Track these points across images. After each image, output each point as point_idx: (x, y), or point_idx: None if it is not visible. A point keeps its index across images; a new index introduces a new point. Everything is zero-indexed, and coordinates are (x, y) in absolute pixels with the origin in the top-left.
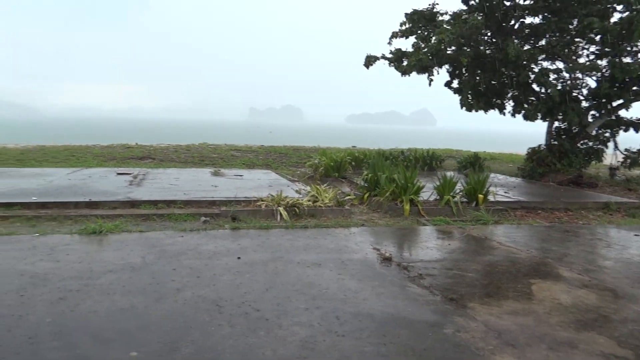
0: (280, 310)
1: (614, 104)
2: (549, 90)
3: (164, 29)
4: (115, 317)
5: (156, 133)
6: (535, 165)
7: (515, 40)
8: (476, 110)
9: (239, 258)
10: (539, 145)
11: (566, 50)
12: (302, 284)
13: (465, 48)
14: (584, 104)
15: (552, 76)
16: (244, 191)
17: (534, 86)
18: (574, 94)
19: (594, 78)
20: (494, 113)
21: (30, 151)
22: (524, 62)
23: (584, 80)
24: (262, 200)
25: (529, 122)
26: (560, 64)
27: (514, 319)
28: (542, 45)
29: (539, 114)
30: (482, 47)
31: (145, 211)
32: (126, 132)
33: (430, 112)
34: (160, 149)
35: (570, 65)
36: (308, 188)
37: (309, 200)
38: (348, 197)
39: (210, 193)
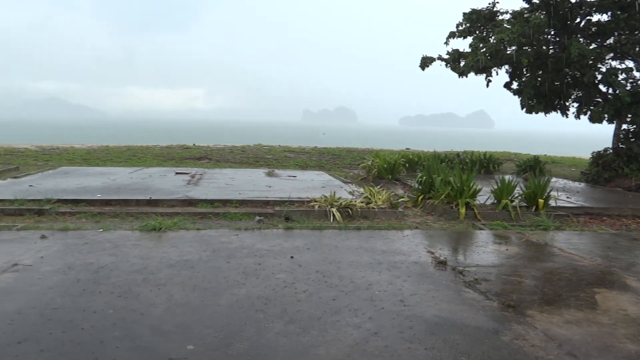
0: (332, 311)
1: None
2: (617, 91)
3: (219, 34)
4: (173, 311)
5: (212, 134)
6: (601, 169)
7: (581, 39)
8: (537, 112)
9: (292, 257)
10: (605, 149)
11: (637, 49)
12: (355, 286)
13: (526, 48)
14: None
15: (620, 76)
16: (297, 192)
17: (601, 86)
18: None
19: None
20: (554, 114)
21: (96, 151)
22: (590, 62)
23: None
24: (315, 201)
25: (593, 124)
26: (629, 63)
27: (576, 329)
28: (610, 44)
29: (606, 116)
30: (544, 47)
31: (202, 210)
32: (184, 133)
33: (487, 114)
34: (216, 150)
35: None
36: (361, 190)
37: (362, 202)
38: (401, 200)
39: (265, 193)
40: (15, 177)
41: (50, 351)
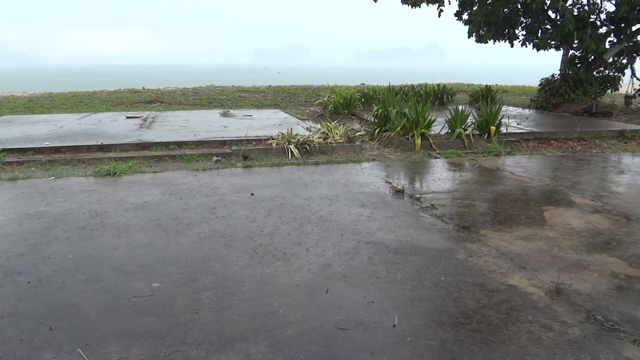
0: (295, 242)
1: (633, 28)
2: (564, 16)
3: None
4: (136, 252)
5: (163, 78)
6: (549, 95)
7: None
8: (486, 42)
9: (252, 194)
10: (553, 75)
11: None
12: (316, 218)
13: None
14: (602, 30)
15: (569, 1)
16: (254, 131)
17: (550, 13)
18: (591, 20)
19: (613, 2)
20: (505, 48)
21: (38, 99)
22: None
23: (602, 5)
24: (273, 139)
25: (543, 56)
26: None
27: (526, 244)
28: None
29: (552, 42)
30: None
31: (157, 153)
32: (133, 77)
33: (440, 47)
34: (167, 93)
35: None
36: (318, 126)
37: (319, 138)
38: (359, 134)
39: (221, 133)
40: None
41: (12, 297)
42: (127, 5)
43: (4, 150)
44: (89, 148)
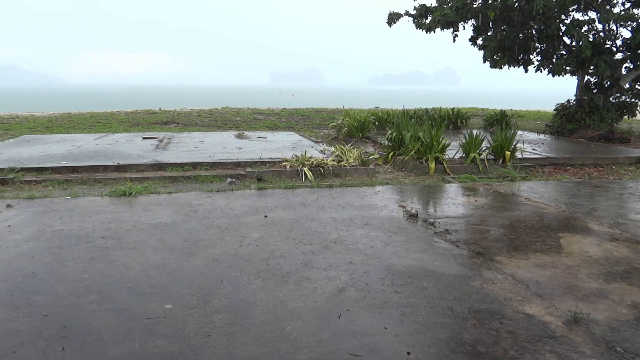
0: (309, 265)
1: None
2: (580, 42)
3: None
4: (149, 273)
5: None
6: (564, 121)
7: None
8: (501, 67)
9: (265, 216)
10: (568, 101)
11: (599, 0)
12: (329, 241)
13: (492, 1)
14: (618, 56)
15: (584, 27)
16: (268, 153)
17: (565, 39)
18: (607, 46)
19: (629, 28)
20: (521, 73)
21: (57, 118)
22: (555, 14)
23: (618, 31)
24: (287, 161)
25: (558, 81)
26: (593, 14)
27: (542, 271)
28: None
29: (568, 68)
30: (509, 0)
31: (172, 174)
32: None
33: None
34: (183, 114)
35: (604, 15)
36: (332, 149)
37: (333, 160)
38: (372, 157)
39: (235, 155)
40: None
41: (27, 317)
42: (144, 27)
43: (22, 169)
44: (105, 168)
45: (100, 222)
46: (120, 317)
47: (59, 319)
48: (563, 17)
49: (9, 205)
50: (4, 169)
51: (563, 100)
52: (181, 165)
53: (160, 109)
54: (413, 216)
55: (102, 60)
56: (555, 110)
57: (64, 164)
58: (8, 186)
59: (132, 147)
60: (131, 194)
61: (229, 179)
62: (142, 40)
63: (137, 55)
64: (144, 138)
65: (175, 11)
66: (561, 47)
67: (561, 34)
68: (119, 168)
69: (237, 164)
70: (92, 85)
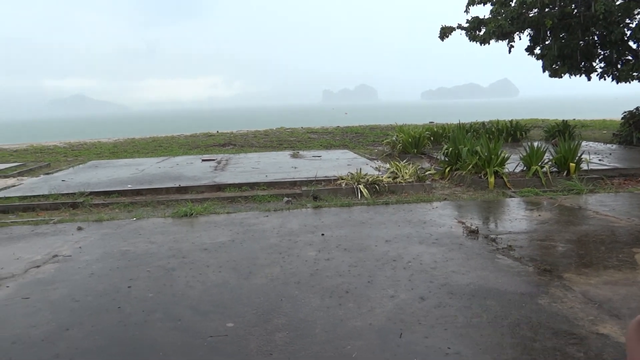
0: (367, 283)
1: None
2: None
3: (234, 19)
4: (211, 292)
5: (235, 121)
6: (633, 129)
7: None
8: (561, 76)
9: (322, 235)
10: (637, 108)
11: None
12: (388, 258)
13: (549, 9)
14: None
15: None
16: (323, 171)
17: (630, 43)
18: None
19: None
20: (582, 81)
21: (122, 144)
22: (618, 18)
23: None
24: (342, 179)
25: (622, 85)
26: None
27: (616, 289)
28: None
29: (635, 74)
30: (568, 7)
31: (230, 194)
32: (207, 121)
33: (511, 82)
34: (240, 135)
35: None
36: (387, 165)
37: (388, 177)
38: (429, 173)
39: (291, 174)
40: (47, 174)
41: (97, 335)
42: (200, 54)
43: (91, 193)
44: (167, 190)
45: (164, 242)
46: (184, 336)
47: (125, 338)
48: (627, 21)
49: (79, 228)
50: (74, 194)
51: (632, 105)
52: (239, 186)
53: (217, 131)
54: (473, 232)
55: (162, 87)
56: (622, 118)
57: (129, 187)
58: (78, 209)
59: (192, 169)
60: (192, 214)
61: (285, 198)
62: (198, 67)
63: (194, 81)
64: (203, 160)
65: (229, 37)
66: (627, 52)
67: (626, 38)
68: (180, 190)
69: (293, 183)
70: (153, 112)
